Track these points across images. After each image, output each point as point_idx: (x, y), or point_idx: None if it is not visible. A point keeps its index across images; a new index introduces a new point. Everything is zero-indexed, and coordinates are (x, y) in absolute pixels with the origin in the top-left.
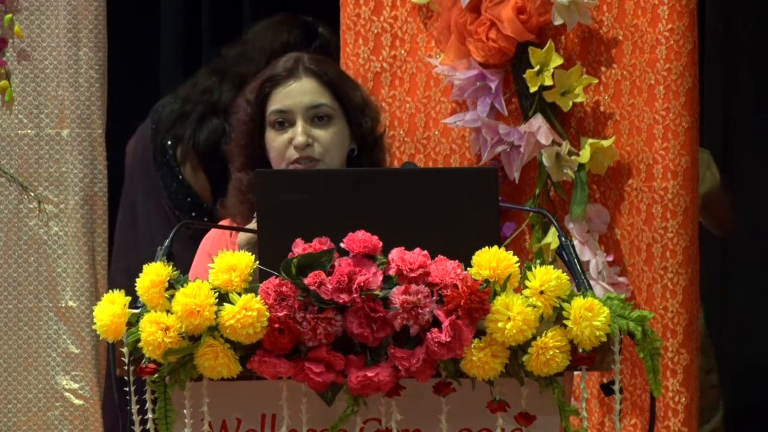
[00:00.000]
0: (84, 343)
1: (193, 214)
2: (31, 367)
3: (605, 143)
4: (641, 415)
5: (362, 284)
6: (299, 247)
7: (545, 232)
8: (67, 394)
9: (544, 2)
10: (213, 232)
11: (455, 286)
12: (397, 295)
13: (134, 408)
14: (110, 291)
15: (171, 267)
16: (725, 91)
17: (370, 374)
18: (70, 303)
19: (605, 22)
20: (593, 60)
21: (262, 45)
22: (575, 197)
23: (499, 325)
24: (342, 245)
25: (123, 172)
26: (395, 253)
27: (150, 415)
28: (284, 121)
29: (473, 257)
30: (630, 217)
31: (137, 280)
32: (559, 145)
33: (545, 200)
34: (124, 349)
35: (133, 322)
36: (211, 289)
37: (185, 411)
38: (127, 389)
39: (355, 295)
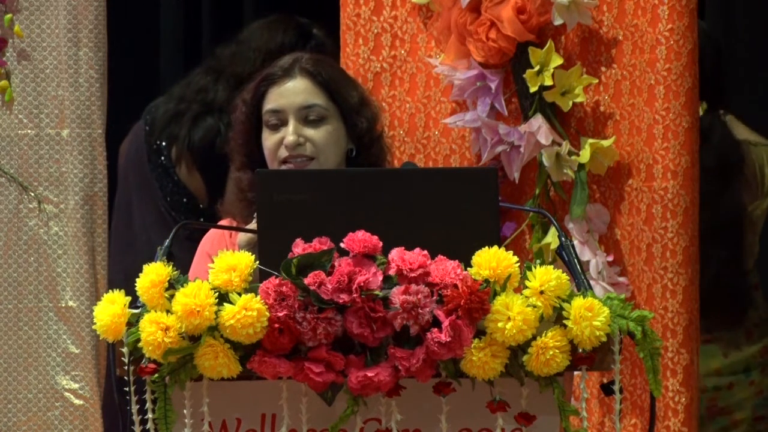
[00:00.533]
0: (84, 343)
1: (189, 213)
2: (31, 367)
3: (605, 143)
4: (641, 415)
5: (362, 284)
6: (299, 247)
7: (545, 232)
8: (67, 394)
9: (544, 2)
10: (212, 232)
11: (455, 286)
12: (397, 295)
13: (134, 408)
14: (110, 291)
15: (171, 267)
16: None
17: (370, 374)
18: (70, 303)
19: (605, 22)
20: (593, 60)
21: (258, 45)
22: (575, 197)
23: (499, 325)
24: (342, 245)
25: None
26: (395, 253)
27: (150, 415)
28: (277, 121)
29: (473, 257)
30: (630, 217)
31: (136, 280)
32: (559, 145)
33: (545, 200)
34: (124, 349)
35: (133, 322)
36: (211, 289)
37: (185, 411)
38: (127, 389)
39: (355, 295)
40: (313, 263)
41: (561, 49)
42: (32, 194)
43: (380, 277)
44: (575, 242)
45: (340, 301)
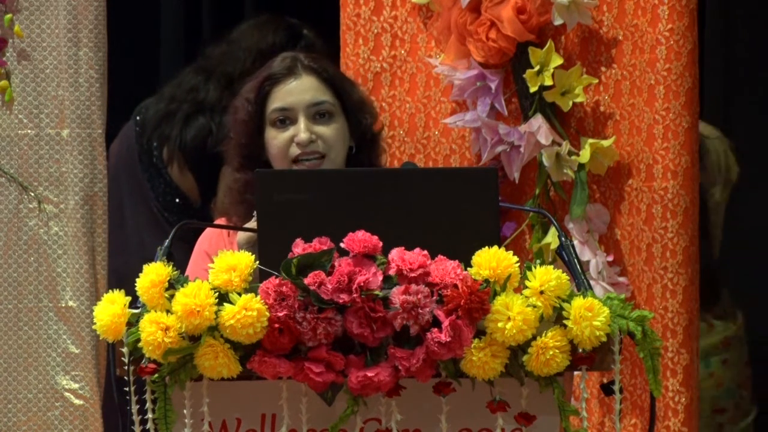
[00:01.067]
0: (84, 343)
1: (181, 213)
2: (31, 367)
3: (605, 143)
4: (641, 415)
5: (362, 284)
6: (299, 247)
7: (545, 232)
8: (67, 394)
9: (544, 2)
10: (210, 231)
11: (455, 286)
12: (397, 295)
13: (134, 408)
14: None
15: (171, 267)
16: (725, 91)
17: (370, 374)
18: (70, 303)
19: (605, 22)
20: (593, 60)
21: (248, 45)
22: (575, 197)
23: (499, 325)
24: (342, 245)
25: None
26: (395, 253)
27: (150, 415)
28: (286, 119)
29: (473, 257)
30: (630, 217)
31: (129, 280)
32: (559, 145)
33: (545, 200)
34: (124, 349)
35: (133, 322)
36: (211, 289)
37: (185, 411)
38: (127, 389)
39: (355, 295)
40: (313, 263)
41: (561, 49)
42: (32, 194)
43: (380, 277)
44: (575, 242)
45: (340, 301)
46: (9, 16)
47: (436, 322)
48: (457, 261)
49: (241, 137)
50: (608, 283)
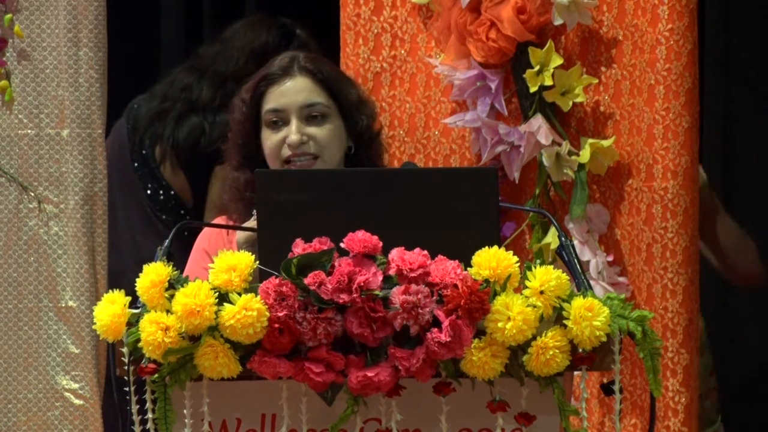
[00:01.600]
0: (84, 343)
1: (174, 212)
2: (31, 367)
3: (605, 143)
4: (641, 415)
5: (362, 284)
6: (299, 247)
7: (545, 232)
8: (67, 394)
9: (544, 2)
10: (209, 229)
11: (455, 286)
12: (397, 295)
13: (134, 408)
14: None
15: (171, 267)
16: (725, 91)
17: (370, 374)
18: (70, 303)
19: (605, 22)
20: (593, 60)
21: (241, 44)
22: (575, 197)
23: (499, 325)
24: (342, 245)
25: None
26: (395, 253)
27: (150, 415)
28: (279, 120)
29: (473, 257)
30: (630, 217)
31: (127, 279)
32: (559, 145)
33: (545, 200)
34: (124, 349)
35: (133, 322)
36: (211, 289)
37: (185, 411)
38: (127, 389)
39: (355, 295)
40: (313, 263)
41: (561, 49)
42: (32, 194)
43: (380, 277)
44: (575, 242)
45: (340, 301)
46: (9, 16)
47: (436, 322)
48: (457, 261)
49: (238, 137)
50: (608, 283)
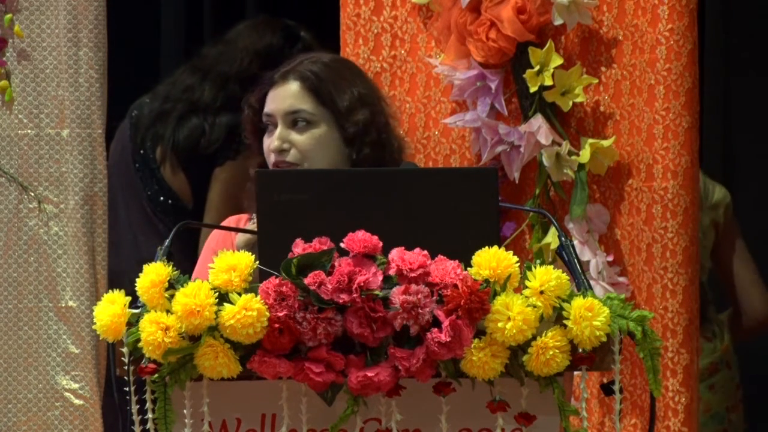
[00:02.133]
0: (84, 343)
1: (173, 211)
2: (31, 367)
3: (605, 143)
4: (641, 415)
5: (362, 284)
6: (299, 247)
7: (545, 232)
8: (67, 394)
9: (544, 2)
10: (219, 231)
11: (455, 286)
12: (397, 295)
13: (134, 408)
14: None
15: (171, 267)
16: (725, 92)
17: (370, 374)
18: (70, 303)
19: (605, 22)
20: (593, 60)
21: (245, 45)
22: (575, 197)
23: (499, 325)
24: (342, 245)
25: None
26: (395, 253)
27: (150, 415)
28: (270, 125)
29: (473, 257)
30: (630, 217)
31: (119, 279)
32: (559, 145)
33: (545, 200)
34: (124, 349)
35: (133, 322)
36: (211, 289)
37: (185, 411)
38: (127, 389)
39: (355, 295)
40: (313, 263)
41: (561, 49)
42: (32, 194)
43: (380, 277)
44: (575, 242)
45: (340, 301)
46: (9, 16)
47: (436, 322)
48: (457, 261)
49: (249, 139)
50: (608, 283)
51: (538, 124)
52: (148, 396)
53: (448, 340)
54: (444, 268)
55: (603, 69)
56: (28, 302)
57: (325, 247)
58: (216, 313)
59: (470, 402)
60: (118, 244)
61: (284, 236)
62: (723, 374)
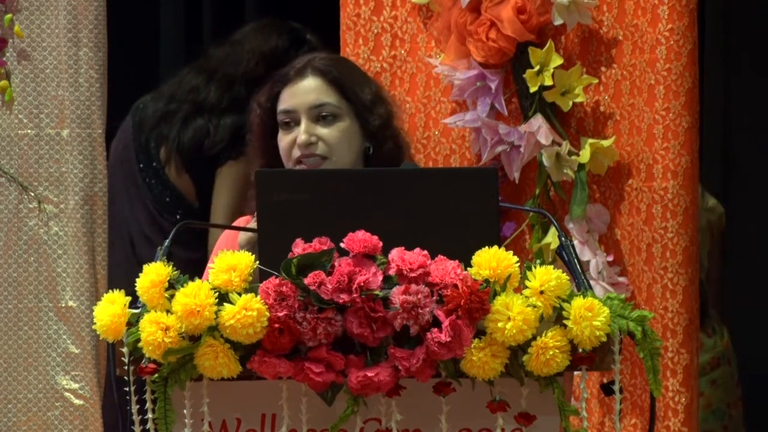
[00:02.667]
0: (84, 343)
1: (179, 213)
2: (31, 367)
3: (605, 143)
4: (641, 415)
5: (362, 284)
6: (299, 247)
7: (545, 232)
8: (67, 394)
9: (544, 2)
10: (229, 231)
11: (455, 286)
12: (397, 295)
13: (134, 408)
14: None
15: (171, 267)
16: (725, 92)
17: (370, 374)
18: (70, 303)
19: (605, 22)
20: (593, 60)
21: (252, 47)
22: (575, 197)
23: (499, 325)
24: (342, 245)
25: None
26: (395, 253)
27: (150, 415)
28: (290, 121)
29: (473, 257)
30: (630, 217)
31: (115, 277)
32: (559, 145)
33: (545, 200)
34: (124, 349)
35: (133, 322)
36: (211, 289)
37: (185, 411)
38: (127, 389)
39: (355, 295)
40: (313, 263)
41: (561, 49)
42: (32, 194)
43: (380, 277)
44: (575, 242)
45: (340, 301)
46: (9, 16)
47: (436, 322)
48: (457, 261)
49: (256, 140)
50: (608, 283)
51: (538, 124)
52: (148, 396)
53: (448, 340)
54: (444, 268)
55: (603, 69)
56: (28, 302)
57: (325, 247)
58: (216, 313)
59: (470, 402)
60: (113, 243)
61: (284, 236)
62: (724, 369)
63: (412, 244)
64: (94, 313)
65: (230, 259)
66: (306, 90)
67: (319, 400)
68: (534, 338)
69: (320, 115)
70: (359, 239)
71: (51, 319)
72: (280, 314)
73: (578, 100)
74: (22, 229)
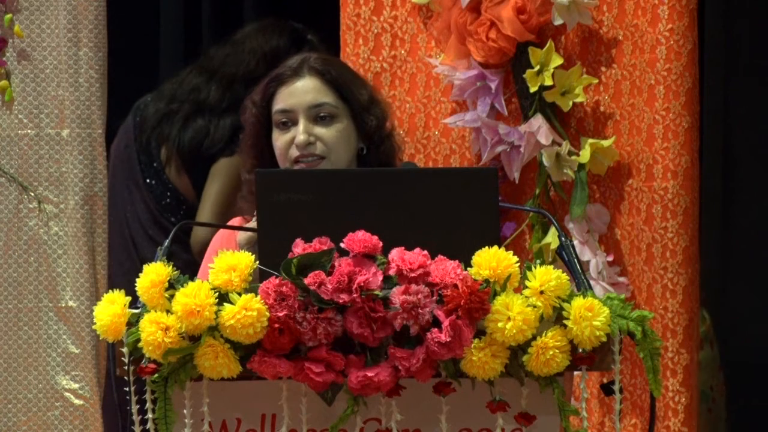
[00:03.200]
0: (84, 343)
1: (181, 213)
2: (31, 367)
3: (605, 143)
4: (641, 415)
5: (362, 284)
6: (299, 247)
7: (545, 232)
8: (67, 394)
9: (544, 2)
10: (224, 230)
11: (455, 286)
12: (397, 295)
13: (134, 408)
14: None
15: (171, 267)
16: (725, 92)
17: (370, 374)
18: (70, 303)
19: (605, 22)
20: (593, 60)
21: (253, 47)
22: (575, 197)
23: (499, 325)
24: (342, 245)
25: None
26: (395, 253)
27: (150, 415)
28: (288, 121)
29: (473, 257)
30: (630, 217)
31: (115, 277)
32: (559, 145)
33: (545, 200)
34: (124, 349)
35: (133, 322)
36: (211, 289)
37: (185, 411)
38: (127, 389)
39: (355, 295)
40: (313, 263)
41: (561, 49)
42: (32, 194)
43: (380, 277)
44: (575, 242)
45: (340, 301)
46: (9, 16)
47: (436, 322)
48: (457, 261)
49: (248, 139)
50: (608, 283)
51: (538, 124)
52: (148, 396)
53: (448, 340)
54: (444, 268)
55: (603, 69)
56: (28, 302)
57: (325, 247)
58: (216, 313)
59: (470, 402)
60: (113, 243)
61: (284, 236)
62: (707, 352)
63: (412, 244)
64: (94, 313)
65: (230, 259)
66: (304, 90)
67: (319, 400)
68: (534, 338)
69: (318, 115)
70: (359, 239)
71: (51, 319)
72: (280, 314)
73: (578, 100)
74: (22, 229)
